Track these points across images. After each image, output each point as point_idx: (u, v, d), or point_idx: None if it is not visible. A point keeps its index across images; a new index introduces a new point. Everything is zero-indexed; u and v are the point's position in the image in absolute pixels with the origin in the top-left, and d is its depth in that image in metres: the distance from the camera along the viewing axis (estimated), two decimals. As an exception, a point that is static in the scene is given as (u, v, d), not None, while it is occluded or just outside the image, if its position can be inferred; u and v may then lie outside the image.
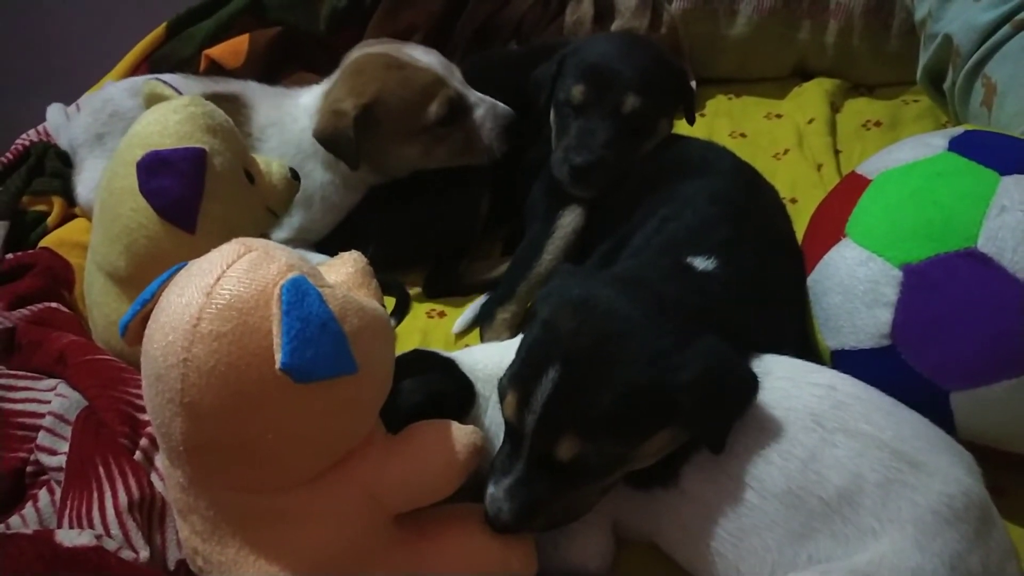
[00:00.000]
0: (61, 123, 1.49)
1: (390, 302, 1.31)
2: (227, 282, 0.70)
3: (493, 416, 0.93)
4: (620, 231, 1.11)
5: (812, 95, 1.64)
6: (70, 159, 1.43)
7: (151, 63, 1.57)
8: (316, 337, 0.68)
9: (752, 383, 0.80)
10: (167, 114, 1.00)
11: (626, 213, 1.13)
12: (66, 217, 1.38)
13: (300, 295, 0.69)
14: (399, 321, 1.28)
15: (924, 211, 0.90)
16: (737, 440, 0.80)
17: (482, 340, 1.21)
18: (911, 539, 0.72)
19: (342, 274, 0.82)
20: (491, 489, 0.81)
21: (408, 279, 1.35)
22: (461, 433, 0.82)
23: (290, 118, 1.31)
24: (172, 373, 0.69)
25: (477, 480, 0.90)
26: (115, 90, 1.42)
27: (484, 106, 1.27)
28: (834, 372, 0.87)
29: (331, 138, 1.21)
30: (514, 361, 0.82)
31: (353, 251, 0.86)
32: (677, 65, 1.28)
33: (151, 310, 0.75)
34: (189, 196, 0.97)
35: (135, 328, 0.76)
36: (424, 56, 1.25)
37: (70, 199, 1.40)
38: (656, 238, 1.02)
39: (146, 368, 0.73)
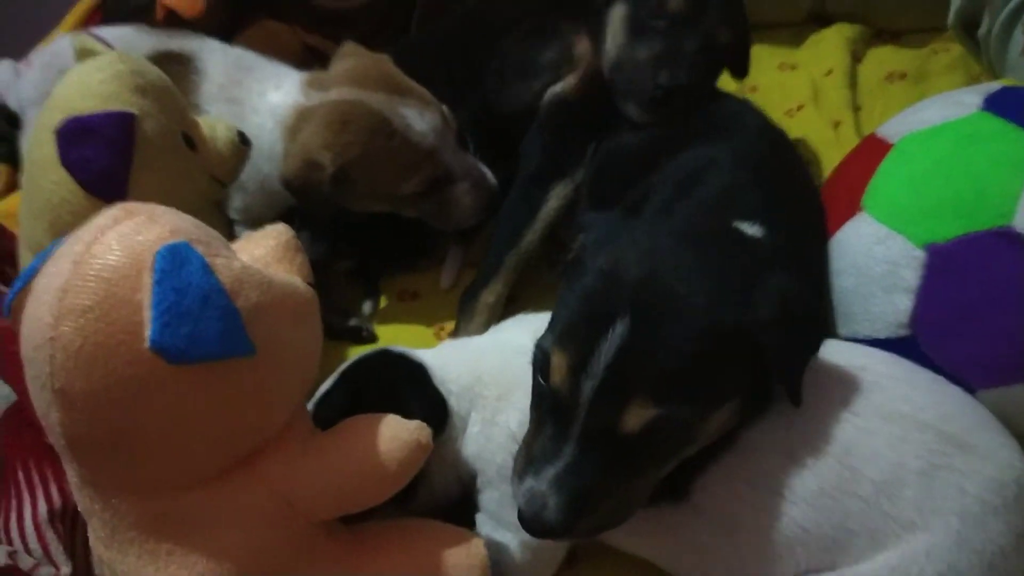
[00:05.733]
0: (10, 81, 1.37)
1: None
2: (98, 249, 0.62)
3: (472, 437, 0.83)
4: (630, 195, 0.98)
5: (831, 43, 1.49)
6: (20, 121, 1.33)
7: (105, 12, 1.45)
8: (195, 311, 0.60)
9: (821, 321, 0.75)
10: (90, 73, 0.88)
11: (642, 171, 0.99)
12: (14, 185, 1.29)
13: (177, 262, 0.61)
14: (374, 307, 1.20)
15: (953, 182, 0.79)
16: (757, 441, 0.71)
17: (457, 329, 1.10)
18: (953, 533, 0.64)
19: (261, 248, 0.72)
20: (529, 482, 0.67)
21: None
22: (401, 428, 0.72)
23: (249, 106, 1.17)
24: (41, 355, 0.61)
25: (430, 489, 0.81)
26: (64, 44, 1.30)
27: (469, 181, 1.14)
28: (863, 348, 0.78)
29: (302, 189, 1.09)
30: (557, 320, 0.70)
31: (279, 224, 0.76)
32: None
33: None
34: (116, 167, 0.86)
35: (20, 307, 0.67)
36: (419, 122, 1.09)
37: (18, 165, 1.30)
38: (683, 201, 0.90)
39: (22, 349, 0.65)
